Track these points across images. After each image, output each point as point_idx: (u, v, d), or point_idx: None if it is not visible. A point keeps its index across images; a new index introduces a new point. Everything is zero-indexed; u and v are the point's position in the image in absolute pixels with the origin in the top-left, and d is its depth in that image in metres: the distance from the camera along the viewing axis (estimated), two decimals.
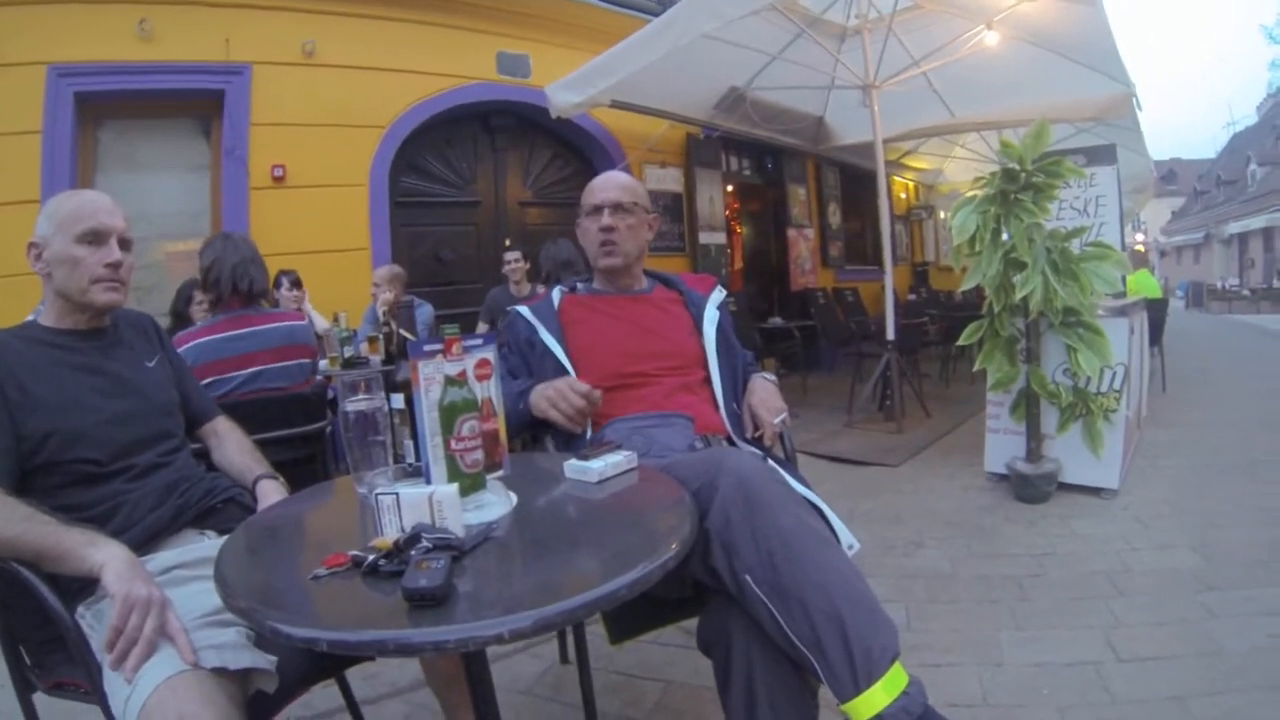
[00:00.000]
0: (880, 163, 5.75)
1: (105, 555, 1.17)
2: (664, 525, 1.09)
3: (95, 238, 1.48)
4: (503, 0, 6.22)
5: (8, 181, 4.60)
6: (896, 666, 1.13)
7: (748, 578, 1.20)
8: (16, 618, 1.36)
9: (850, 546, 1.49)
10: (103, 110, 5.14)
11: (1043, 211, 3.60)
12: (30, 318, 1.57)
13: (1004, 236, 3.65)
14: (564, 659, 2.31)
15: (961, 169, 10.24)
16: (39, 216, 1.49)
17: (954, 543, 3.15)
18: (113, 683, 1.12)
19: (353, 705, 1.86)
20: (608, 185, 1.96)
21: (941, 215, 12.37)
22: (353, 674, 1.74)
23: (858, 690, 1.11)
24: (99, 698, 1.16)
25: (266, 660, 1.18)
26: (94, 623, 1.25)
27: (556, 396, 1.68)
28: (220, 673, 1.12)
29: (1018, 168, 3.61)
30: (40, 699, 1.41)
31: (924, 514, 3.56)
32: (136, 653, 1.09)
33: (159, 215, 5.28)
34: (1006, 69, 5.71)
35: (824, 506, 1.51)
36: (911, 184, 11.99)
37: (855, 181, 9.85)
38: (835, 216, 9.79)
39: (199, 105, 5.31)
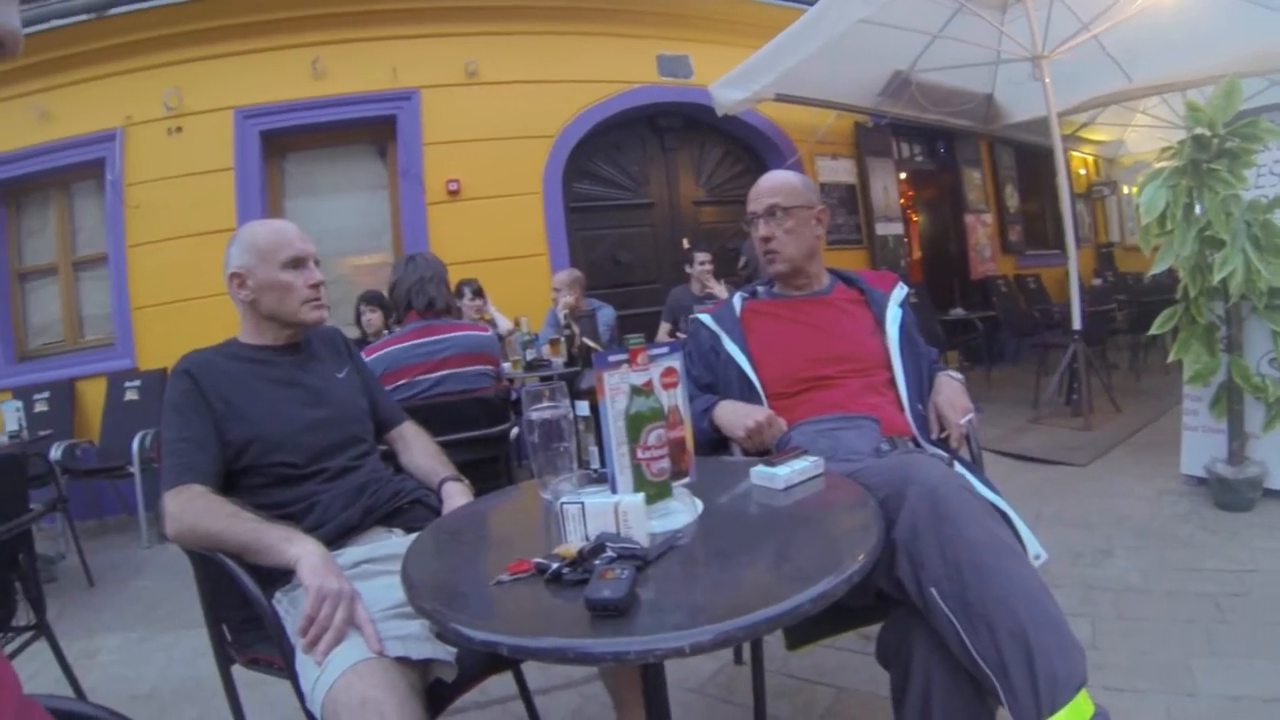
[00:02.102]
0: (1056, 138, 5.35)
1: (301, 550, 1.27)
2: (850, 536, 1.04)
3: (298, 263, 1.62)
4: (658, 3, 6.29)
5: (208, 213, 5.24)
6: (1082, 694, 1.05)
7: (933, 591, 1.15)
8: (220, 600, 1.51)
9: (1037, 557, 1.41)
10: (286, 144, 5.71)
11: (1240, 181, 3.16)
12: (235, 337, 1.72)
13: (1197, 211, 3.26)
14: (738, 659, 2.28)
15: (1144, 138, 9.31)
16: (231, 249, 1.63)
17: (1146, 553, 2.86)
18: (304, 664, 1.20)
19: (526, 694, 1.91)
20: (759, 192, 1.94)
21: (1125, 190, 11.37)
22: (528, 664, 1.78)
23: (1040, 717, 1.04)
24: (290, 675, 1.26)
25: (447, 652, 1.22)
26: (289, 608, 1.35)
27: (756, 431, 1.68)
28: (403, 661, 1.18)
29: (1208, 133, 3.20)
30: (238, 671, 1.56)
31: (1113, 520, 3.26)
32: (327, 639, 1.17)
33: (342, 234, 5.76)
34: (1185, 22, 5.15)
35: (1012, 513, 1.43)
36: (1090, 158, 11.06)
37: (1031, 160, 9.24)
38: (1013, 199, 9.24)
39: (373, 131, 5.75)
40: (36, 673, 2.29)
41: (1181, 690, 1.93)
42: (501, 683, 1.75)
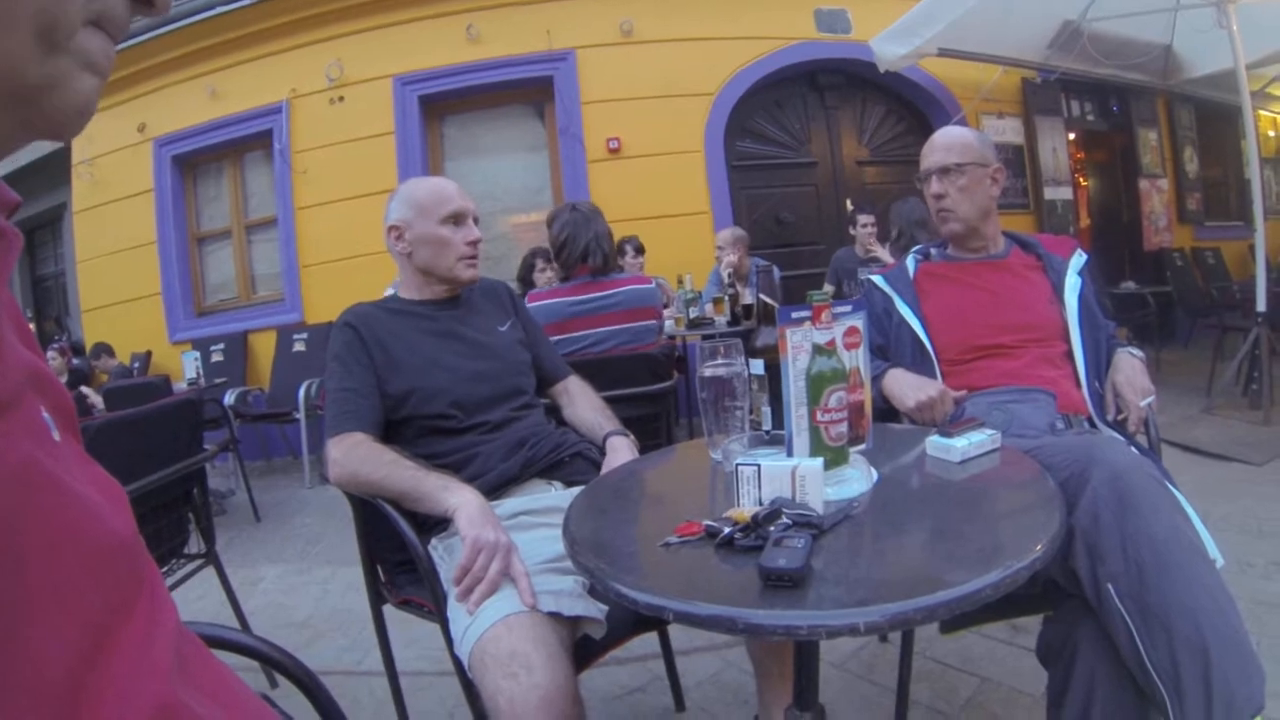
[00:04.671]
0: (1244, 94, 4.82)
1: (459, 500, 1.29)
2: (1030, 518, 0.97)
3: (458, 219, 1.64)
4: None
5: (371, 176, 5.51)
6: None
7: (1110, 587, 1.10)
8: (377, 542, 1.58)
9: (1214, 561, 1.30)
10: (444, 107, 5.93)
11: None
12: (389, 292, 1.77)
13: None
14: (883, 637, 2.23)
15: None
16: (391, 203, 1.68)
17: None
18: (455, 611, 1.23)
19: (669, 655, 1.94)
20: (932, 149, 1.86)
21: None
22: (674, 625, 1.78)
23: None
24: (440, 620, 1.30)
25: (598, 609, 1.23)
26: (444, 555, 1.38)
27: (929, 405, 1.62)
28: (554, 616, 1.19)
29: None
30: (388, 610, 1.63)
31: None
32: (480, 590, 1.19)
33: (503, 193, 5.94)
34: None
35: (1191, 511, 1.31)
36: None
37: (1213, 120, 8.41)
38: (1192, 163, 8.43)
39: (530, 92, 5.87)
40: (203, 596, 2.51)
41: None
42: (643, 641, 1.78)
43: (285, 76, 5.83)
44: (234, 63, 5.94)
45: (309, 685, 0.88)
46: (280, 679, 0.90)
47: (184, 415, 2.25)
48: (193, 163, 6.35)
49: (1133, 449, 1.50)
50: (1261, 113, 8.86)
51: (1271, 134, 9.73)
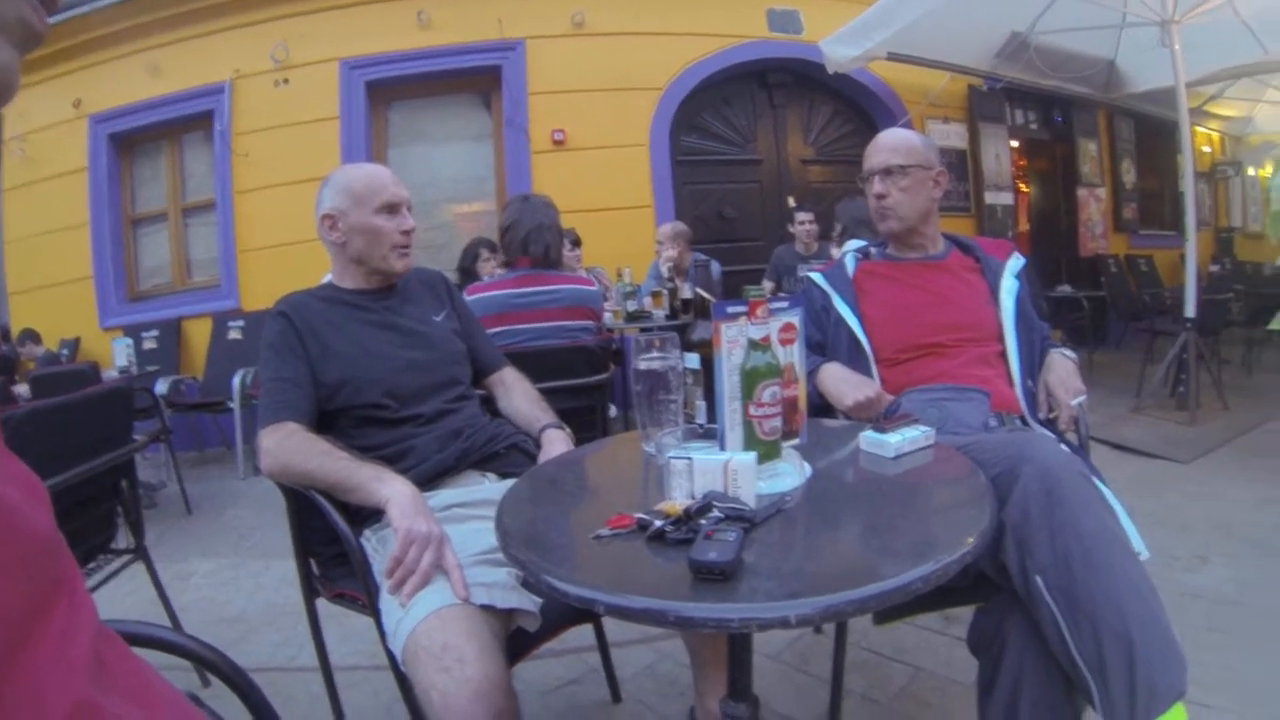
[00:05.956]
0: (1183, 111, 4.97)
1: (391, 491, 1.27)
2: (961, 513, 0.99)
3: (392, 209, 1.60)
4: None
5: (313, 161, 5.32)
6: (1178, 708, 1.02)
7: (1039, 580, 1.12)
8: (310, 534, 1.54)
9: (1139, 554, 1.34)
10: (391, 94, 5.82)
11: None
12: (326, 279, 1.73)
13: None
14: (817, 629, 2.24)
15: (1275, 116, 8.66)
16: (324, 191, 1.62)
17: (1244, 563, 2.65)
18: (388, 604, 1.21)
19: (604, 647, 1.93)
20: (876, 149, 1.87)
21: (1251, 172, 10.59)
22: (607, 618, 1.78)
23: None
24: (374, 613, 1.28)
25: (532, 602, 1.22)
26: (377, 547, 1.36)
27: (866, 405, 1.62)
28: (487, 609, 1.17)
29: None
30: (322, 604, 1.60)
31: (1212, 524, 3.04)
32: (412, 582, 1.17)
33: (447, 181, 5.84)
34: None
35: (1118, 506, 1.35)
36: (1215, 135, 10.29)
37: (1152, 134, 8.70)
38: (1129, 174, 8.72)
39: (478, 81, 5.81)
40: (133, 592, 2.40)
41: (1269, 715, 1.80)
42: (578, 633, 1.77)
43: (229, 56, 5.66)
44: (176, 39, 5.74)
45: (239, 683, 0.85)
46: (213, 678, 0.87)
47: (113, 404, 2.16)
48: (130, 141, 6.13)
49: (1063, 446, 1.53)
50: (1198, 129, 9.19)
51: (1206, 149, 10.11)
